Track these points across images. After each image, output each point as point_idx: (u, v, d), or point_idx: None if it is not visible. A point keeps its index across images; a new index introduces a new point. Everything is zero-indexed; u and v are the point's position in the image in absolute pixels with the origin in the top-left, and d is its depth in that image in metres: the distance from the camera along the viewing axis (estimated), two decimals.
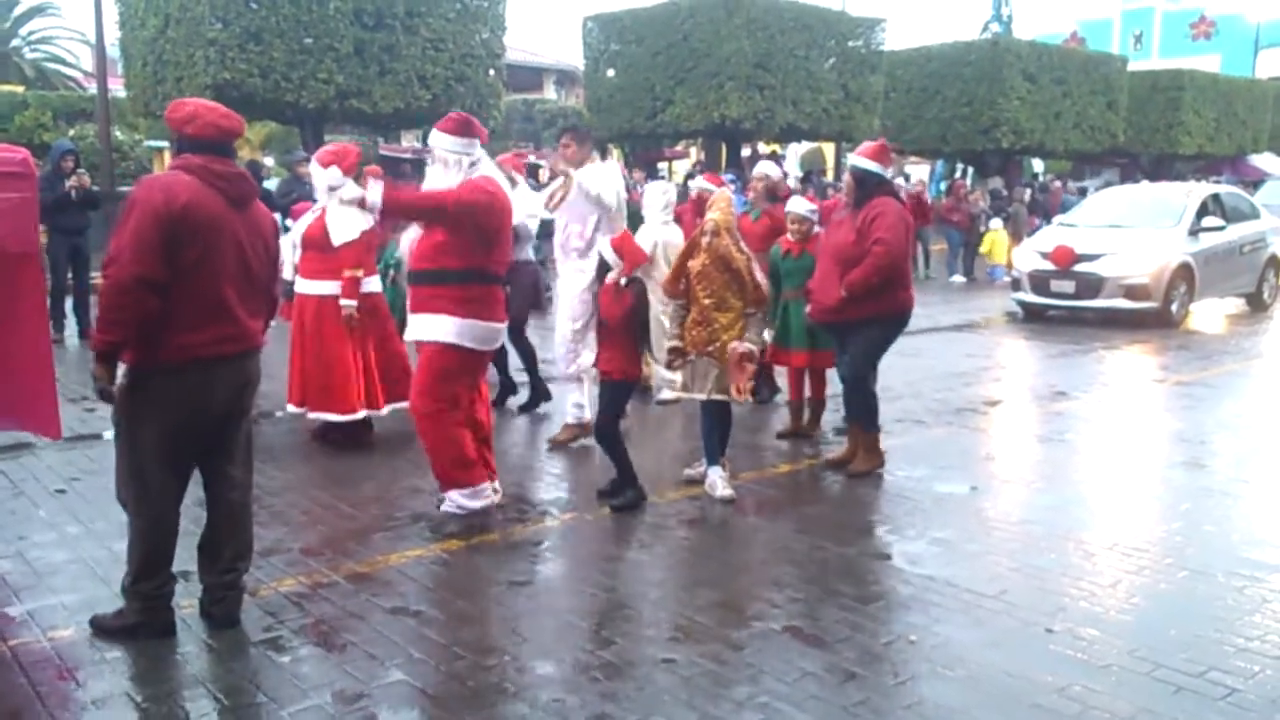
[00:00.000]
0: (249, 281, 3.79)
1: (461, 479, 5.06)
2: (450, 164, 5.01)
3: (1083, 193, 23.65)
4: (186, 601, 3.99)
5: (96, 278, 12.87)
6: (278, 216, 10.71)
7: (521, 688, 3.48)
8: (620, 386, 5.45)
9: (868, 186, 5.90)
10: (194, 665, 3.65)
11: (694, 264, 5.42)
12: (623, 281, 5.35)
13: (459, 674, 3.58)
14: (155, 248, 3.46)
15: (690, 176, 18.63)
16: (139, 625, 3.77)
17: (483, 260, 4.98)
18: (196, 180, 3.62)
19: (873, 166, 5.91)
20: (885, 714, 3.32)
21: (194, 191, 3.58)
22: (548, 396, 7.63)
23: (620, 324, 5.31)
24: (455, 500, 5.07)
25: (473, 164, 5.06)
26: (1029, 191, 22.02)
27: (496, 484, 5.31)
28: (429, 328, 5.02)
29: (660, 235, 7.25)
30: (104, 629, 3.82)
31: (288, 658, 3.70)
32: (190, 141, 3.70)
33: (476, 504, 5.09)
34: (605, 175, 6.44)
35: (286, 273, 7.33)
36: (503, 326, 5.27)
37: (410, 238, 5.21)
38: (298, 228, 6.82)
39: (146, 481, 3.69)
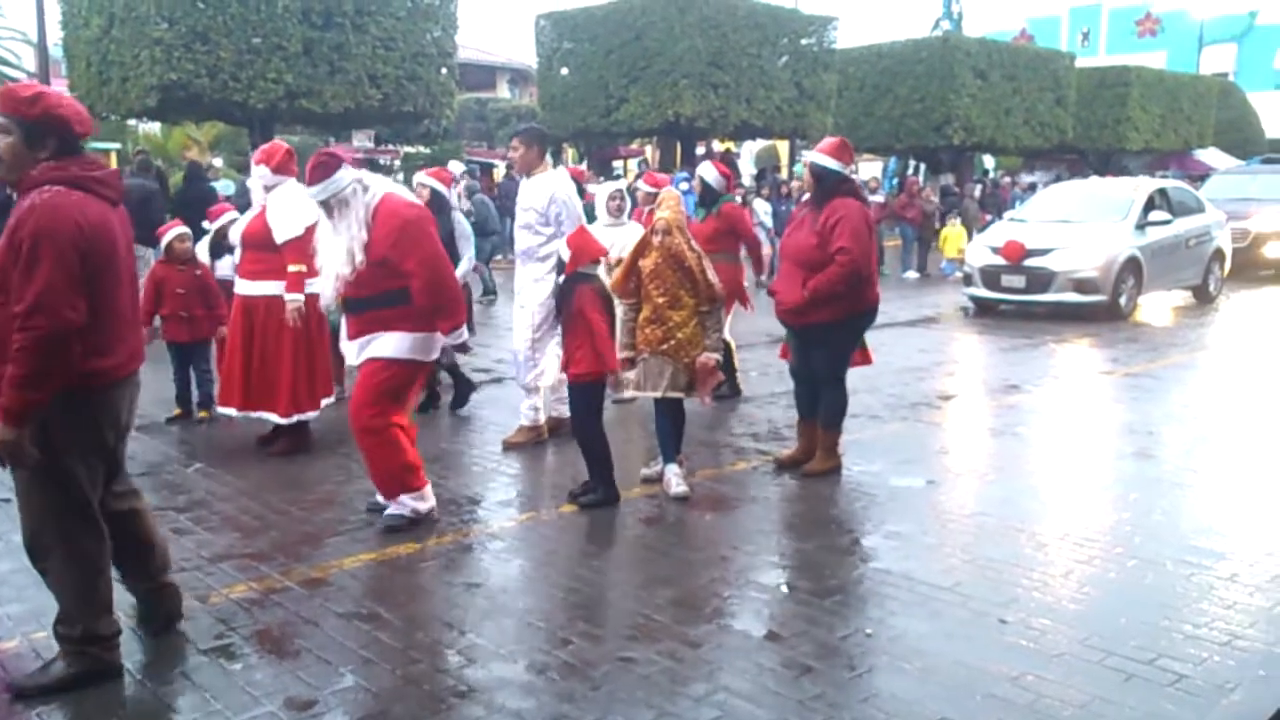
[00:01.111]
0: (133, 287, 3.56)
1: (411, 483, 5.02)
2: (350, 203, 4.73)
3: (1032, 188, 24.00)
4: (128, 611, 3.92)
5: None
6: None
7: (478, 690, 3.45)
8: (596, 386, 5.42)
9: (828, 184, 5.74)
10: (143, 675, 3.58)
11: (645, 263, 5.40)
12: (562, 279, 5.35)
13: (414, 678, 3.54)
14: (80, 285, 3.14)
15: (639, 176, 18.61)
16: (91, 674, 3.45)
17: None
18: (85, 194, 3.26)
19: (833, 164, 5.73)
20: (842, 707, 3.33)
21: (95, 209, 3.25)
22: (472, 387, 7.83)
23: (593, 323, 5.29)
24: (406, 504, 5.02)
25: (366, 189, 4.80)
26: (979, 188, 22.28)
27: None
28: (382, 346, 4.90)
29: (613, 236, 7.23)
30: (35, 691, 3.41)
31: (239, 665, 3.65)
32: (60, 139, 3.27)
33: (425, 505, 5.08)
34: (555, 186, 6.36)
35: (227, 271, 7.23)
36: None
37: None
38: (236, 227, 6.68)
39: (85, 513, 3.44)
